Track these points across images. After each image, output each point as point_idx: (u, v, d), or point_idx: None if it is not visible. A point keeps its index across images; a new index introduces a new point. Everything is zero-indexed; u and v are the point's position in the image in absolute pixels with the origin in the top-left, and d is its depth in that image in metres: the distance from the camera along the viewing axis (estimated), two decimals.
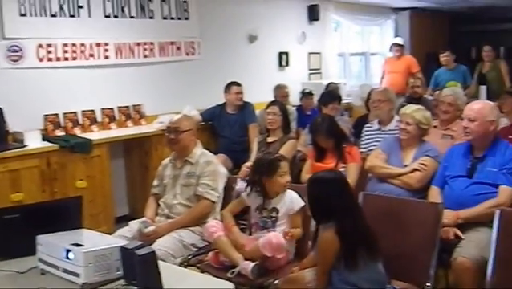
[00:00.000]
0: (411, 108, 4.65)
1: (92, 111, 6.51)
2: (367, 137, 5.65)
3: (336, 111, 6.44)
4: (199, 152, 4.39)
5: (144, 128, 6.75)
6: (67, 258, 2.65)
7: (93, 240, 2.84)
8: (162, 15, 7.27)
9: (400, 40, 9.99)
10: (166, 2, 7.30)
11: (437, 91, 6.33)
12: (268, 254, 3.64)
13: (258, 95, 7.76)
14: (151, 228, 4.06)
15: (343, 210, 3.21)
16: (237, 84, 7.06)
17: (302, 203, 3.83)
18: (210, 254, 3.92)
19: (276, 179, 3.86)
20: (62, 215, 3.03)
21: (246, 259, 3.68)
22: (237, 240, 3.82)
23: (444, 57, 9.02)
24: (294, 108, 7.80)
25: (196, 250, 4.10)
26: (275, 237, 3.68)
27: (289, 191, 3.90)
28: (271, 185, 3.87)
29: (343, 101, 8.38)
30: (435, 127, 5.32)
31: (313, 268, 3.41)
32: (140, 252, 2.37)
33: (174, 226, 4.12)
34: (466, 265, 3.54)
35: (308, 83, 9.12)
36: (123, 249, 2.51)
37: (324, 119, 5.00)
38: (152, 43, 7.16)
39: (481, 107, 4.05)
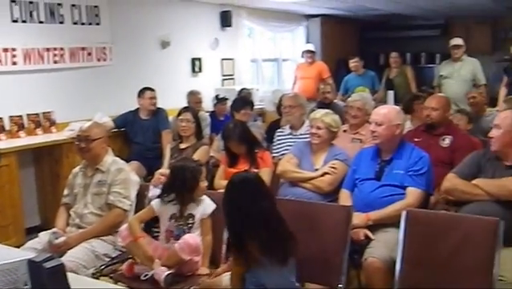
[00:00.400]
0: (320, 113, 4.76)
1: (0, 118, 6.30)
2: (279, 142, 5.72)
3: (248, 117, 6.49)
4: (110, 159, 4.32)
5: (55, 136, 6.59)
6: None
7: None
8: (72, 20, 7.11)
9: (311, 46, 10.16)
10: (77, 7, 7.15)
11: (349, 98, 6.45)
12: (186, 257, 3.63)
13: (171, 101, 7.75)
14: (61, 239, 3.97)
15: (264, 211, 3.24)
16: (151, 89, 7.03)
17: (214, 206, 3.87)
18: (124, 265, 3.84)
19: (199, 184, 3.87)
20: None
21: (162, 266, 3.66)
22: (145, 253, 3.75)
23: (353, 63, 9.26)
24: (208, 114, 7.82)
25: (109, 259, 4.03)
26: (192, 238, 3.69)
27: (203, 196, 3.92)
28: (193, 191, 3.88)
29: (256, 106, 8.48)
30: (344, 131, 5.45)
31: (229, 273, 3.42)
32: (48, 265, 2.31)
33: (85, 236, 4.03)
34: (376, 265, 3.64)
35: (221, 88, 9.16)
36: (30, 262, 2.44)
37: (236, 125, 5.03)
38: (62, 49, 7.00)
39: (387, 111, 4.18)
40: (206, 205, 3.88)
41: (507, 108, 5.16)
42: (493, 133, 3.79)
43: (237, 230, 3.28)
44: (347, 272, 3.75)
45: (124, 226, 3.89)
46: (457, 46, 8.28)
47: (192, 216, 3.86)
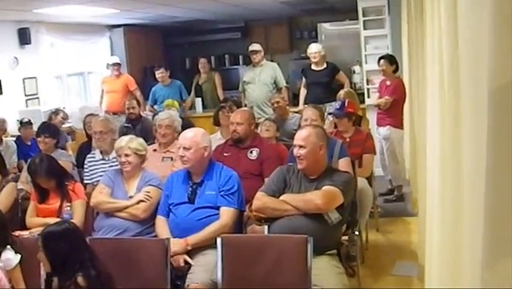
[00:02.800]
0: (124, 140, 4.67)
1: None
2: (91, 168, 5.53)
3: (47, 146, 5.93)
4: None
5: None
6: None
7: None
8: None
9: (116, 59, 9.96)
10: None
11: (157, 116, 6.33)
12: None
13: None
14: None
15: (83, 261, 3.18)
16: None
17: (17, 259, 3.73)
18: None
19: None
20: None
21: None
22: None
23: (159, 74, 9.19)
24: (13, 140, 7.45)
25: None
26: None
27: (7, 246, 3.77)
28: None
29: (65, 125, 8.21)
30: (155, 150, 5.46)
31: None
32: None
33: None
34: None
35: (26, 110, 8.71)
36: None
37: (42, 159, 4.78)
38: None
39: (193, 135, 4.25)
40: (8, 259, 3.72)
41: (317, 114, 5.39)
42: (300, 152, 3.97)
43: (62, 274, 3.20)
44: None
45: None
46: (255, 52, 8.57)
47: None
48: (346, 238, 4.57)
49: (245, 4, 9.43)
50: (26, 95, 9.21)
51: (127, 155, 4.56)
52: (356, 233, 4.79)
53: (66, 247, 3.19)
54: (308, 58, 8.40)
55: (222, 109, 6.53)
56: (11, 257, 3.73)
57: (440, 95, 2.68)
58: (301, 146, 3.97)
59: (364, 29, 8.53)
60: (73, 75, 10.75)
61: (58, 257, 3.19)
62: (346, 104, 5.74)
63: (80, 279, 3.11)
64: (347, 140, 5.63)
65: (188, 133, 4.31)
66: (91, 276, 3.14)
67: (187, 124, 6.36)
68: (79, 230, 3.41)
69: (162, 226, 4.19)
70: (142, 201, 4.41)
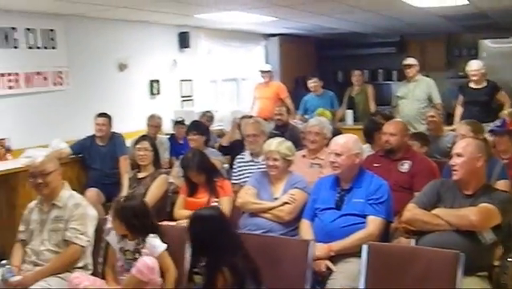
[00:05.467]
0: (274, 144, 4.68)
1: None
2: (239, 169, 5.63)
3: (197, 143, 6.18)
4: (67, 194, 4.18)
5: (11, 164, 6.37)
6: None
7: None
8: (27, 44, 6.98)
9: (268, 67, 10.16)
10: (32, 31, 7.02)
11: (307, 123, 6.32)
12: (145, 279, 3.60)
13: (129, 124, 7.74)
14: (16, 278, 3.85)
15: (227, 246, 3.20)
16: (104, 116, 6.88)
17: (163, 247, 3.81)
18: None
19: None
20: None
21: None
22: None
23: (312, 83, 9.24)
24: (167, 137, 7.75)
25: None
26: (148, 258, 3.69)
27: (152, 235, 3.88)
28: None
29: (216, 127, 8.43)
30: (304, 156, 5.44)
31: None
32: None
33: (42, 275, 3.89)
34: None
35: (181, 110, 9.07)
36: None
37: (195, 154, 4.96)
38: (17, 74, 6.85)
39: (345, 141, 4.19)
40: (154, 246, 3.82)
41: (469, 130, 5.13)
42: (455, 161, 3.78)
43: (208, 260, 3.23)
44: None
45: (74, 275, 3.83)
46: (409, 66, 8.35)
47: (138, 251, 3.83)
48: (498, 263, 4.31)
49: (403, 16, 9.24)
50: (182, 97, 9.59)
51: (275, 159, 4.58)
52: (509, 259, 4.50)
53: (207, 231, 3.20)
54: (466, 76, 8.07)
55: (378, 130, 6.11)
56: (156, 244, 3.83)
57: None
58: (458, 155, 3.78)
59: None
60: (227, 80, 11.05)
61: (198, 238, 3.22)
62: (507, 122, 5.43)
63: (226, 269, 3.12)
64: (506, 161, 5.31)
65: (341, 139, 4.25)
66: (237, 266, 3.14)
67: (337, 133, 6.30)
68: (226, 219, 3.42)
69: (306, 230, 4.16)
70: (287, 203, 4.41)
